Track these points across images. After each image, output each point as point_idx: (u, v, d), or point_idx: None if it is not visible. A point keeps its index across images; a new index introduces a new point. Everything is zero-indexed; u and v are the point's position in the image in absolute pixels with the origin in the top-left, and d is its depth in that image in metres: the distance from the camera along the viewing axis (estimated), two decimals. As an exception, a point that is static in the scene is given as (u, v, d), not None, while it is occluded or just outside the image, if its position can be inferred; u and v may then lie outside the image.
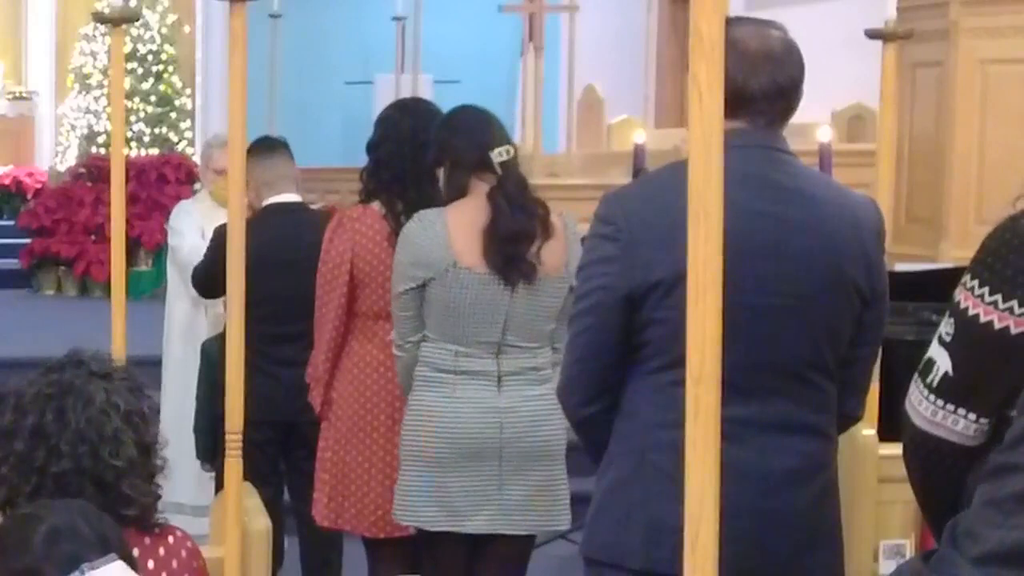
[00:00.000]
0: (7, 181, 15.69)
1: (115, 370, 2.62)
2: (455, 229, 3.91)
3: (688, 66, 1.54)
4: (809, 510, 2.83)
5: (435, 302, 3.93)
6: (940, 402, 2.06)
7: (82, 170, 12.91)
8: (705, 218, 1.51)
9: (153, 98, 15.83)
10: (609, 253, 2.79)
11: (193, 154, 14.43)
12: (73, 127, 16.21)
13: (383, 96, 11.20)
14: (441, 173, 4.03)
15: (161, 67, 15.92)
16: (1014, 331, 1.96)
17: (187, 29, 16.44)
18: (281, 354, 5.05)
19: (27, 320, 10.57)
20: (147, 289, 11.39)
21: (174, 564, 2.58)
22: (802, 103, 2.88)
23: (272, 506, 4.11)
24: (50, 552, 2.15)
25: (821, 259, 2.79)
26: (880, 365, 3.26)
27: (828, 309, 2.81)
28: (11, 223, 13.98)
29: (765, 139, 2.83)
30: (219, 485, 4.34)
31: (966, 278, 2.03)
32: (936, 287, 4.08)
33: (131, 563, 2.22)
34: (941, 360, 2.05)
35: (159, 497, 2.63)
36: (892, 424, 2.59)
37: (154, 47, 15.86)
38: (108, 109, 15.03)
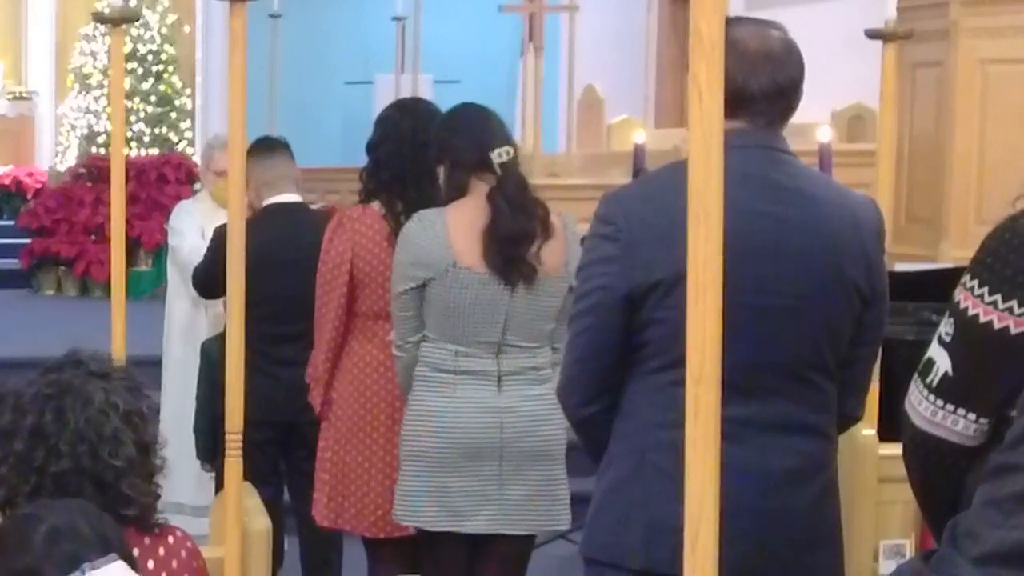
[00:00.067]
0: (7, 181, 15.70)
1: (114, 370, 2.62)
2: (455, 229, 3.91)
3: (688, 66, 1.54)
4: (809, 510, 2.83)
5: (435, 302, 3.93)
6: (940, 402, 2.06)
7: (82, 170, 12.90)
8: (705, 218, 1.51)
9: (153, 98, 15.84)
10: (609, 253, 2.79)
11: (193, 154, 14.44)
12: (73, 127, 16.21)
13: (383, 96, 11.19)
14: (441, 172, 4.03)
15: (161, 67, 15.93)
16: (1014, 331, 1.95)
17: (187, 29, 16.45)
18: (281, 354, 5.05)
19: (27, 320, 10.56)
20: (147, 289, 11.39)
21: (174, 564, 2.58)
22: (802, 103, 2.88)
23: (272, 506, 4.10)
24: (50, 552, 2.15)
25: (821, 259, 2.79)
26: (880, 365, 3.26)
27: (828, 309, 2.81)
28: (11, 223, 13.98)
29: (765, 139, 2.83)
30: (219, 485, 4.34)
31: (966, 278, 2.03)
32: (936, 287, 4.07)
33: (131, 563, 2.22)
34: (941, 360, 2.05)
35: (159, 497, 2.63)
36: (892, 424, 2.59)
37: (154, 47, 15.87)
38: (108, 109, 15.03)
